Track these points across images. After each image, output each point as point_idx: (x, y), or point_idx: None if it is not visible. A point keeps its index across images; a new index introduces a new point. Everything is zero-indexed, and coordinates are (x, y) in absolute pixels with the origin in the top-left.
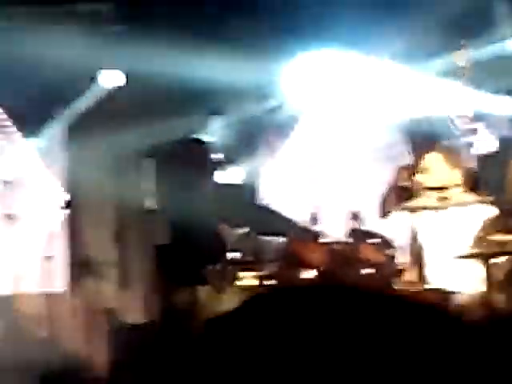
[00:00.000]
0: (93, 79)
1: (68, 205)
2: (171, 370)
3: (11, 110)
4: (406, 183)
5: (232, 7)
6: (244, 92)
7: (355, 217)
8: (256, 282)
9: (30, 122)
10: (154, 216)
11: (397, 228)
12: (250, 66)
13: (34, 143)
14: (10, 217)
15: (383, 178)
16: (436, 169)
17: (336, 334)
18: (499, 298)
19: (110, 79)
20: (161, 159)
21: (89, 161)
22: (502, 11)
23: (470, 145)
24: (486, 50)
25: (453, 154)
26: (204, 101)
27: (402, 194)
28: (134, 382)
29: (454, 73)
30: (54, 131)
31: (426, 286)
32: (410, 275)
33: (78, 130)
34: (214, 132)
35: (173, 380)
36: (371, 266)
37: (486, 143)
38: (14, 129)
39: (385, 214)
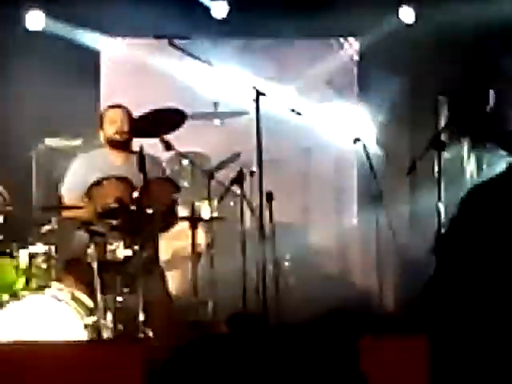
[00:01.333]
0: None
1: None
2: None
3: None
4: None
5: None
6: None
7: None
8: None
9: None
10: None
11: None
12: None
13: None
14: (305, 149)
15: None
16: None
17: None
18: None
19: (406, 15)
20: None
21: (380, 92)
22: None
23: None
24: None
25: None
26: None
27: None
28: (421, 318)
29: None
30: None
31: None
32: None
33: (370, 59)
34: None
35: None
36: None
37: None
38: None
39: None
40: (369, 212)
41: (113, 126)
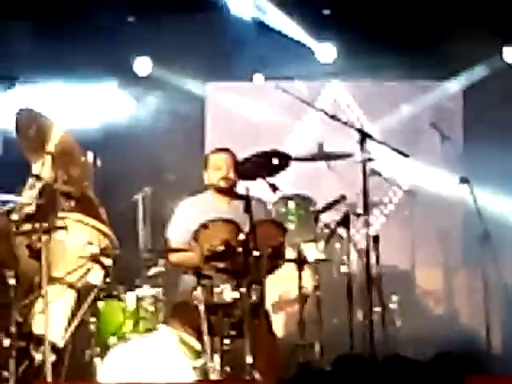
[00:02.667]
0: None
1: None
2: None
3: None
4: None
5: None
6: None
7: None
8: None
9: None
10: None
11: None
12: None
13: None
14: (409, 192)
15: None
16: None
17: None
18: None
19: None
20: None
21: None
22: None
23: None
24: None
25: None
26: None
27: None
28: None
29: None
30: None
31: None
32: None
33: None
34: None
35: None
36: None
37: None
38: None
39: None
40: (475, 253)
41: (218, 171)
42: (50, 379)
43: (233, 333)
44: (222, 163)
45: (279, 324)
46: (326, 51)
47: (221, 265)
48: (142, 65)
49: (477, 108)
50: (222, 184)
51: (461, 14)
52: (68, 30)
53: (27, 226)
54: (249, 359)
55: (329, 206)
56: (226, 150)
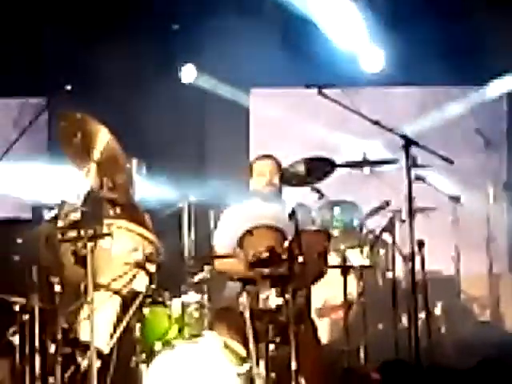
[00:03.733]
0: None
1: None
2: None
3: None
4: None
5: None
6: None
7: None
8: None
9: None
10: None
11: None
12: None
13: None
14: (455, 197)
15: None
16: None
17: None
18: None
19: None
20: None
21: None
22: None
23: None
24: None
25: None
26: None
27: None
28: None
29: None
30: None
31: None
32: None
33: None
34: None
35: None
36: None
37: None
38: None
39: None
40: None
41: (262, 178)
42: None
43: (278, 339)
44: (266, 169)
45: (324, 330)
46: (374, 59)
47: (266, 271)
48: (187, 72)
49: None
50: (266, 190)
51: (503, 17)
52: (111, 39)
53: (73, 233)
54: (294, 365)
55: (373, 212)
56: (269, 156)
